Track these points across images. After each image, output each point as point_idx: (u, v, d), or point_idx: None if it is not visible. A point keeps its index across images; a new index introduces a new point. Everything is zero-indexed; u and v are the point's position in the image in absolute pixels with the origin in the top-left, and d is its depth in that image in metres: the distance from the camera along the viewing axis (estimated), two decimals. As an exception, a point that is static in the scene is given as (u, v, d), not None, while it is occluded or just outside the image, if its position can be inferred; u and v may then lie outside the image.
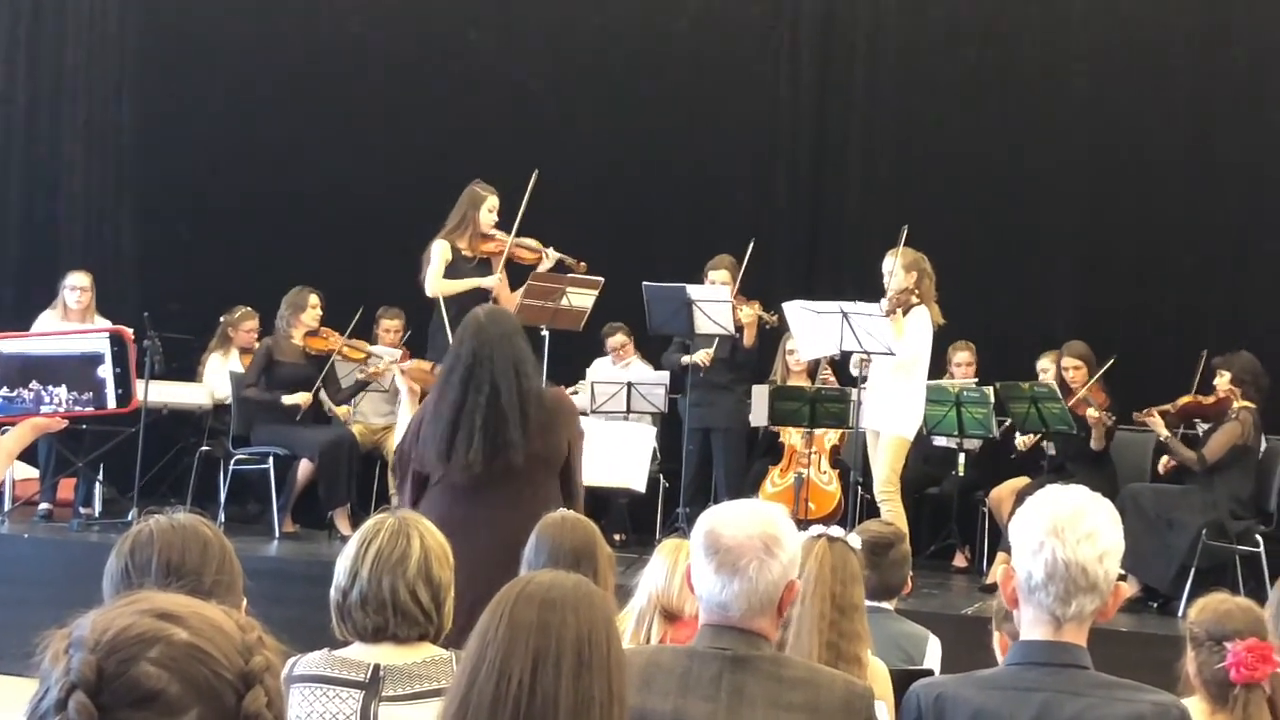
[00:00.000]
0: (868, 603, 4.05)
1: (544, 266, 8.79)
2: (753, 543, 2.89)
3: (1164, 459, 8.87)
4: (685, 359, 9.41)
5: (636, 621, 4.12)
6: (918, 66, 11.13)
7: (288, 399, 9.56)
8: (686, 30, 11.54)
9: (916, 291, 8.42)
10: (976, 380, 9.68)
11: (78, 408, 2.90)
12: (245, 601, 2.62)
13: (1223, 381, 8.74)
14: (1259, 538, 8.43)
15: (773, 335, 9.54)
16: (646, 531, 9.75)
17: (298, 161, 11.60)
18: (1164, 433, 8.78)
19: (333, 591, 3.18)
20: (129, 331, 2.93)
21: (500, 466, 5.08)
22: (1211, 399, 8.77)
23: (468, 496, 5.10)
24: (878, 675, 3.87)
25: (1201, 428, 9.03)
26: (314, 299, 9.73)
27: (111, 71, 12.09)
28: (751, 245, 9.47)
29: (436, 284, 8.60)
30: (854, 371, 8.60)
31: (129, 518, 9.33)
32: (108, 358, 2.84)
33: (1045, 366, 9.55)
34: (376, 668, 3.09)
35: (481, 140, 11.23)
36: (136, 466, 9.64)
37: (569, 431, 5.30)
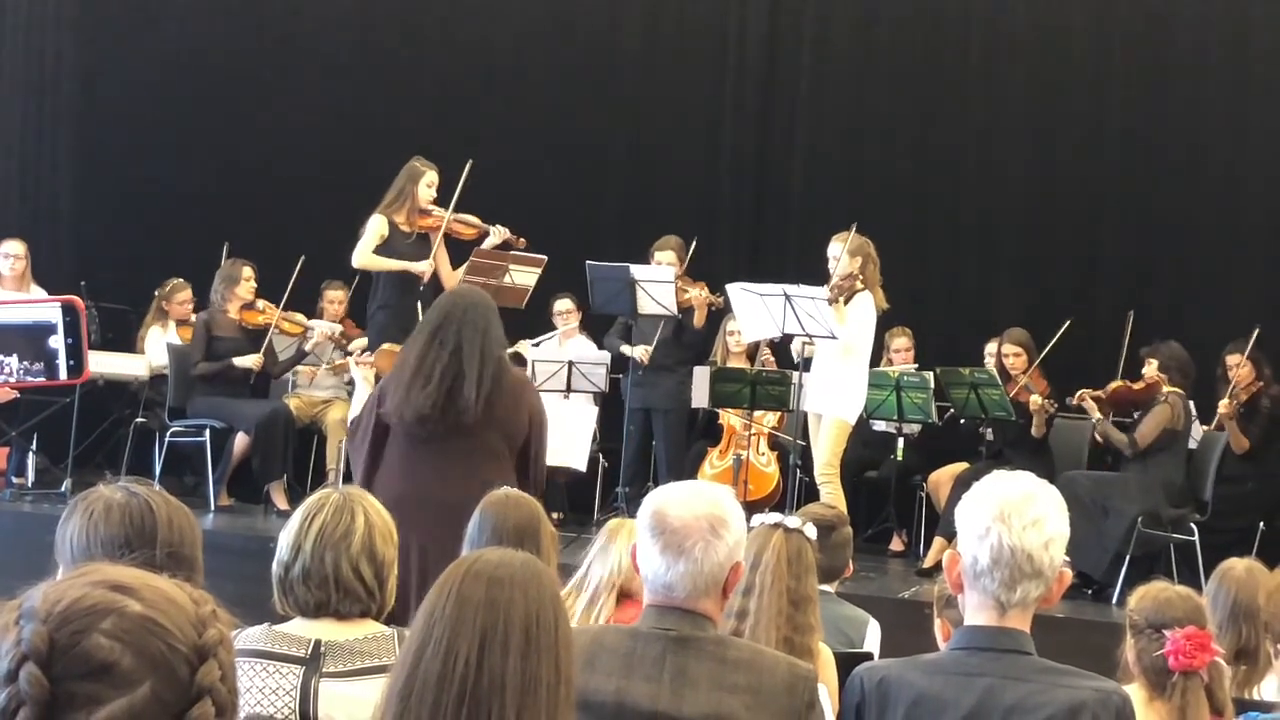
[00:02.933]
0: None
1: (490, 242, 8.76)
2: (699, 524, 2.89)
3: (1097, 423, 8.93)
4: (625, 349, 9.39)
5: (590, 600, 4.11)
6: (864, 52, 11.15)
7: (239, 361, 9.49)
8: (636, 13, 11.50)
9: (861, 277, 8.44)
10: (916, 366, 9.72)
11: (29, 378, 2.84)
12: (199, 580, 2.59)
13: (1150, 369, 8.84)
14: (1194, 526, 8.52)
15: (716, 317, 9.54)
16: (585, 511, 9.76)
17: (236, 130, 11.49)
18: (1097, 415, 8.87)
19: (275, 566, 3.16)
20: (82, 302, 2.88)
21: (453, 420, 5.31)
22: (1140, 384, 8.87)
23: (420, 445, 5.36)
24: (825, 662, 3.88)
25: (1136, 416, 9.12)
26: (247, 271, 9.63)
27: (49, 39, 11.91)
28: (695, 243, 9.48)
29: (363, 257, 8.66)
30: (795, 357, 8.62)
31: (62, 488, 9.26)
32: (60, 328, 2.79)
33: (992, 351, 9.59)
34: (318, 643, 3.06)
35: (424, 116, 11.18)
36: (71, 437, 9.55)
37: (531, 411, 5.53)
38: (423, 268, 8.58)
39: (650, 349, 9.29)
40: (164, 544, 2.62)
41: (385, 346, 7.10)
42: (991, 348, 9.65)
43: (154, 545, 2.57)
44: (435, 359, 5.33)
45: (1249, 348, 9.11)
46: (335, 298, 10.22)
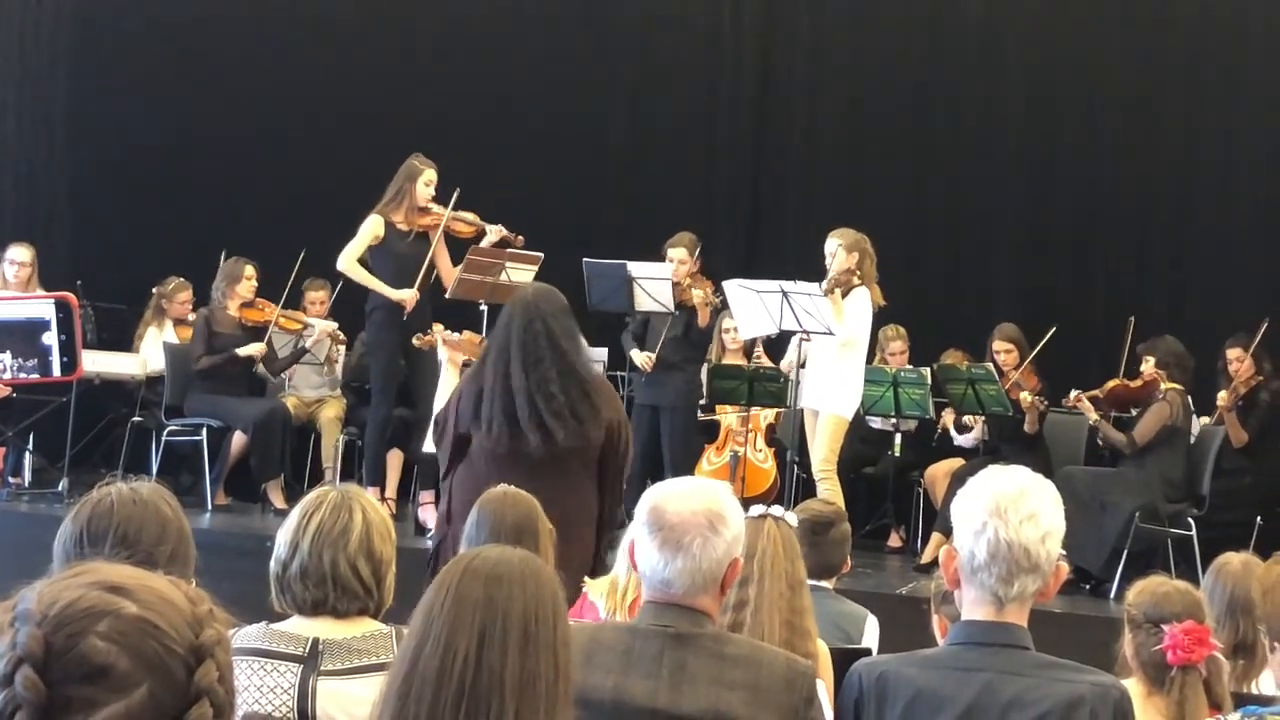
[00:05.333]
0: (808, 582, 4.07)
1: (487, 240, 8.76)
2: (697, 519, 2.89)
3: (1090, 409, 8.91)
4: (634, 354, 9.32)
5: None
6: (861, 47, 11.14)
7: (242, 350, 9.49)
8: (633, 8, 11.49)
9: (858, 272, 8.44)
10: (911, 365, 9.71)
11: (22, 375, 2.84)
12: (195, 581, 2.59)
13: (1148, 366, 8.83)
14: (1191, 521, 8.52)
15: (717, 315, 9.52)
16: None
17: (236, 129, 11.46)
18: (1094, 416, 8.86)
19: (273, 563, 3.16)
20: (75, 299, 2.87)
21: (575, 443, 5.20)
22: (1139, 382, 8.86)
23: (525, 469, 5.03)
24: (820, 655, 3.89)
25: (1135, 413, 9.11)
26: (249, 270, 9.63)
27: (45, 36, 11.89)
28: (699, 249, 9.48)
29: (346, 262, 8.73)
30: (788, 358, 8.61)
31: (59, 488, 9.26)
32: (53, 325, 2.78)
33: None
34: (315, 641, 3.06)
35: (421, 113, 11.16)
36: (67, 436, 9.54)
37: (614, 414, 5.40)
38: (404, 296, 8.59)
39: (653, 355, 9.20)
40: (159, 542, 2.62)
41: (468, 335, 6.98)
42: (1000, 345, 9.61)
43: (149, 547, 2.57)
44: (538, 383, 5.20)
45: (1255, 343, 9.09)
46: (316, 298, 10.18)
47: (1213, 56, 10.49)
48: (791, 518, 3.98)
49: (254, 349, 9.53)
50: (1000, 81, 10.86)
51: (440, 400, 5.73)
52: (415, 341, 8.19)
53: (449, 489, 5.46)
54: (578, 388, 5.25)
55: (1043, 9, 10.83)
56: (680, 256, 9.21)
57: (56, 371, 2.76)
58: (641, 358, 9.24)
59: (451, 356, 6.04)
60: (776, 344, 9.00)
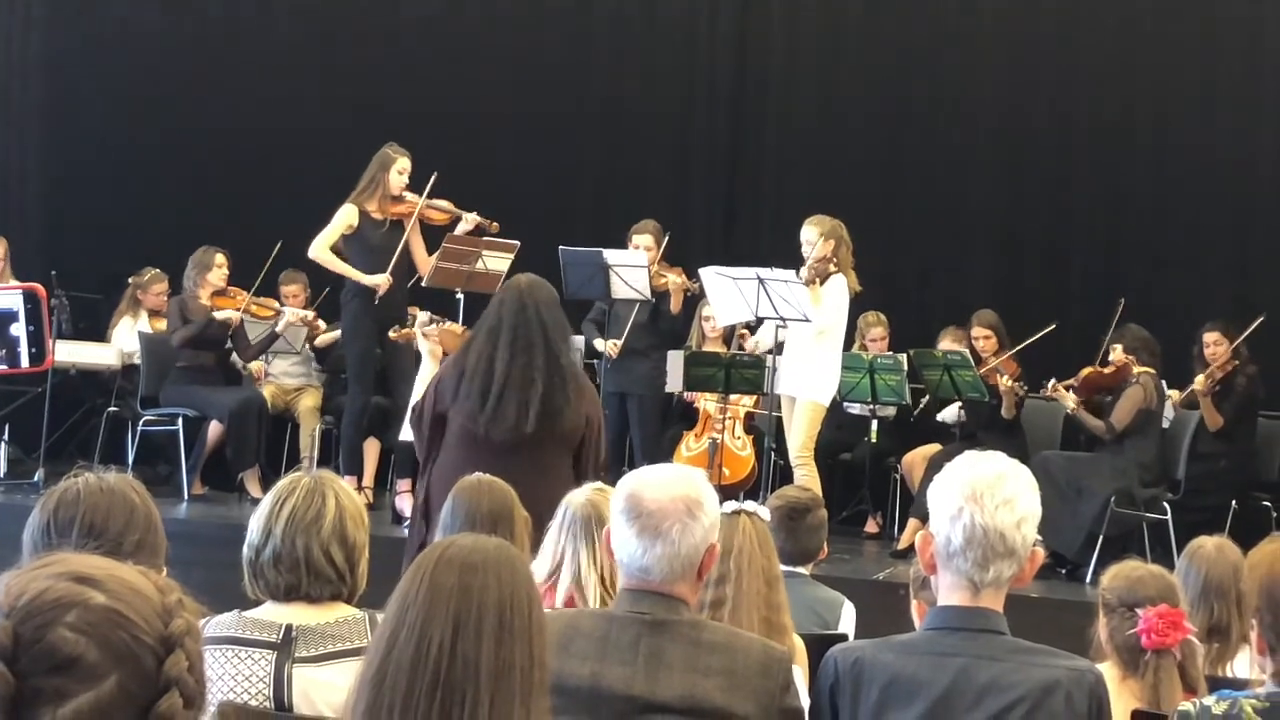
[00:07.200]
0: (783, 568, 4.08)
1: (462, 228, 8.76)
2: (675, 505, 2.89)
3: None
4: (597, 343, 9.33)
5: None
6: (836, 36, 11.15)
7: (219, 314, 9.45)
8: (610, 5, 11.48)
9: (834, 260, 8.45)
10: (892, 354, 9.72)
11: None
12: (166, 570, 2.58)
13: (1117, 353, 8.86)
14: (1166, 505, 8.55)
15: (692, 302, 9.52)
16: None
17: (209, 120, 11.41)
18: (1071, 405, 8.89)
19: (245, 549, 3.15)
20: (44, 289, 2.85)
21: (547, 431, 5.28)
22: (1111, 368, 8.89)
23: (500, 454, 5.16)
24: (796, 649, 3.90)
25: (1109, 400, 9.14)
26: (220, 258, 9.59)
27: (16, 30, 11.82)
28: (667, 236, 9.45)
29: (319, 250, 8.76)
30: (760, 338, 8.62)
31: (35, 478, 9.22)
32: (21, 315, 2.76)
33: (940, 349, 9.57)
34: (289, 628, 3.05)
35: (395, 102, 11.12)
36: (43, 427, 9.50)
37: (591, 407, 5.51)
38: (378, 281, 8.60)
39: (619, 342, 9.22)
40: (127, 530, 2.61)
41: (449, 325, 7.03)
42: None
43: (117, 536, 2.56)
44: (521, 368, 5.29)
45: (1242, 338, 9.10)
46: (291, 291, 10.14)
47: (1188, 54, 10.51)
48: (765, 512, 3.99)
49: (230, 314, 9.46)
50: (974, 75, 10.86)
51: (420, 390, 5.76)
52: (391, 334, 8.21)
53: (427, 484, 5.49)
54: (559, 378, 5.32)
55: (1019, 4, 10.85)
56: (646, 244, 9.23)
57: (25, 363, 2.74)
58: (608, 345, 9.24)
59: (432, 349, 6.07)
60: (756, 330, 9.00)
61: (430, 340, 6.12)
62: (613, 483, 3.29)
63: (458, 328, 6.94)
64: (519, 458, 5.15)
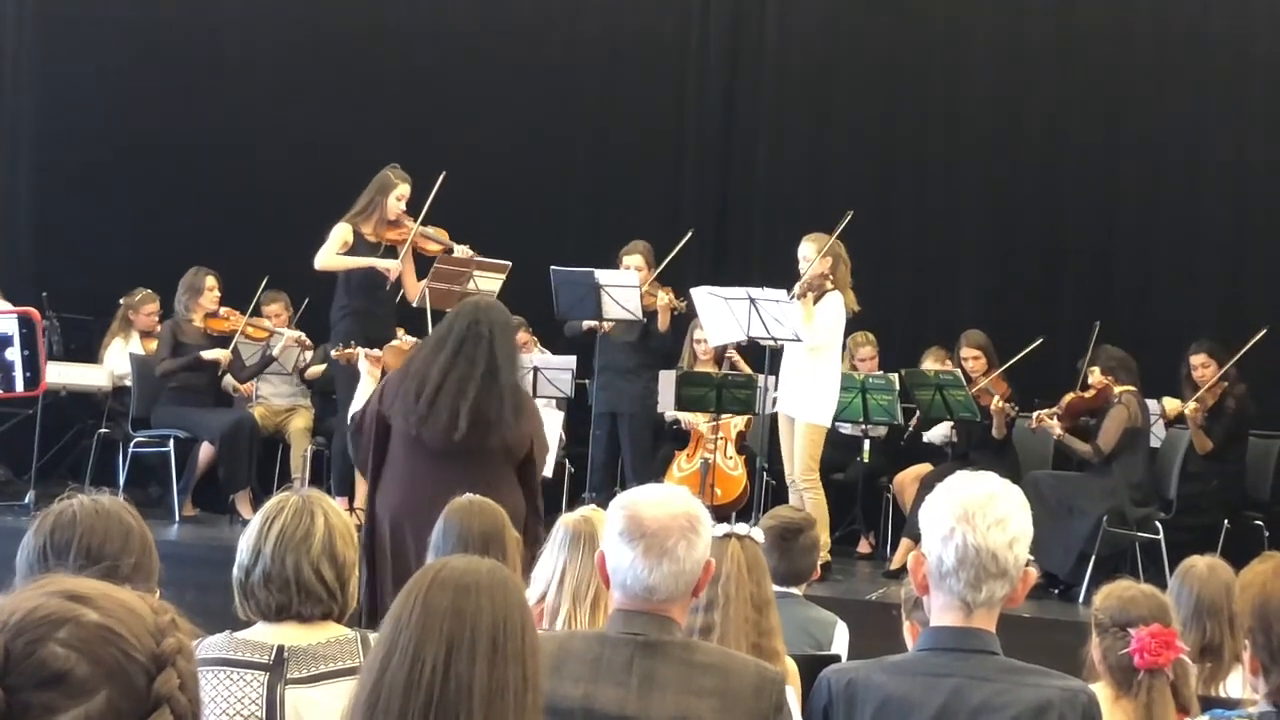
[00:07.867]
0: (776, 588, 4.07)
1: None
2: (677, 522, 2.90)
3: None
4: (586, 323, 9.28)
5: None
6: (828, 53, 11.18)
7: (207, 354, 9.45)
8: (598, 15, 11.49)
9: (832, 277, 8.46)
10: (880, 371, 9.73)
11: None
12: (159, 592, 2.57)
13: (1095, 376, 8.86)
14: (1158, 525, 8.56)
15: (682, 322, 9.52)
16: (551, 515, 9.68)
17: (201, 140, 11.41)
18: (1058, 431, 8.89)
19: (235, 570, 3.14)
20: (39, 314, 2.85)
21: (477, 441, 5.35)
22: (1091, 392, 8.89)
23: (439, 463, 5.35)
24: (789, 673, 3.89)
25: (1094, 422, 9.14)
26: (210, 280, 9.58)
27: (7, 44, 11.82)
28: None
29: (325, 259, 8.73)
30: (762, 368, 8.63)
31: (25, 500, 9.19)
32: (16, 339, 2.75)
33: (930, 368, 9.57)
34: (280, 649, 3.04)
35: (389, 124, 11.14)
36: (34, 448, 9.48)
37: (533, 427, 5.58)
38: (388, 264, 8.62)
39: (603, 323, 9.14)
40: (123, 553, 2.61)
41: (395, 343, 7.09)
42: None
43: (114, 559, 2.56)
44: (466, 377, 5.38)
45: (1242, 352, 9.10)
46: (272, 310, 10.12)
47: (1178, 65, 10.55)
48: (757, 533, 3.98)
49: (218, 354, 9.48)
50: (965, 91, 10.89)
51: (358, 402, 5.89)
52: (333, 354, 8.26)
53: (370, 490, 5.66)
54: (496, 394, 5.41)
55: (1008, 11, 10.89)
56: (637, 264, 9.24)
57: (20, 387, 2.72)
58: (591, 322, 9.16)
59: (370, 370, 6.19)
60: (749, 349, 9.00)
61: (370, 362, 6.26)
62: (606, 502, 3.28)
63: (408, 341, 7.05)
64: (457, 466, 5.24)
